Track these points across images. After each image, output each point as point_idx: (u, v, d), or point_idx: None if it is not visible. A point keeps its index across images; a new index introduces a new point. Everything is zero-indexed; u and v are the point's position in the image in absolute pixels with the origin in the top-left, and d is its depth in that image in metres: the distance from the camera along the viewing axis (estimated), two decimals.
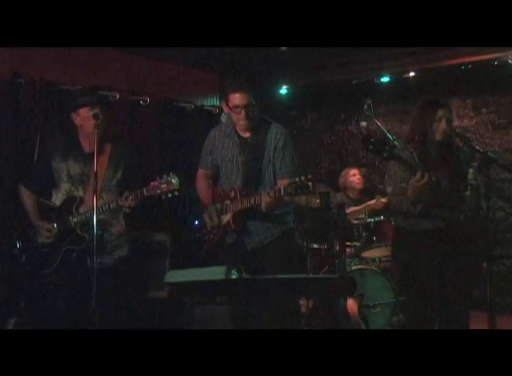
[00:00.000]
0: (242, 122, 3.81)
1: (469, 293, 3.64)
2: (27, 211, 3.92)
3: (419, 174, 3.42)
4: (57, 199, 3.91)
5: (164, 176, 3.68)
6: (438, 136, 3.64)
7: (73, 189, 3.86)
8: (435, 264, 3.62)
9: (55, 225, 3.83)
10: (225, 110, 3.91)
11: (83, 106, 3.79)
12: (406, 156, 3.62)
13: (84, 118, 3.79)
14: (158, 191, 3.67)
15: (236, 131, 3.91)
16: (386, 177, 3.83)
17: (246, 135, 3.89)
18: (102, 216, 3.70)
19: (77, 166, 3.87)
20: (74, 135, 3.92)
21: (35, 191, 3.94)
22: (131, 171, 3.98)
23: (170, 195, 3.67)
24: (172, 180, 3.66)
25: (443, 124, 3.62)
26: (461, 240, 3.61)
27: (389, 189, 3.78)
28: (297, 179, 3.43)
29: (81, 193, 3.85)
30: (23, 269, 3.89)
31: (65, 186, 3.88)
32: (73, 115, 3.86)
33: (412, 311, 3.82)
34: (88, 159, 3.82)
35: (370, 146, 3.37)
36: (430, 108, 3.66)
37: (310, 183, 3.39)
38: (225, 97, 3.83)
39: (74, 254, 3.79)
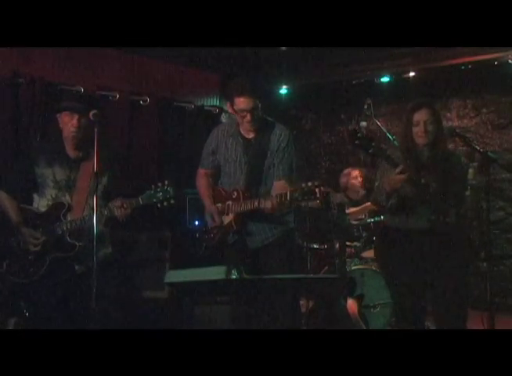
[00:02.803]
0: (247, 125, 3.81)
1: (458, 293, 3.63)
2: (9, 217, 3.76)
3: (400, 167, 3.44)
4: (40, 205, 3.80)
5: (160, 185, 3.67)
6: (419, 140, 3.64)
7: (60, 195, 3.78)
8: (418, 264, 3.62)
9: (41, 232, 3.71)
10: (230, 111, 3.93)
11: (65, 109, 3.75)
12: (398, 157, 3.63)
13: (64, 123, 3.75)
14: (154, 200, 3.67)
15: (239, 131, 3.91)
16: (376, 174, 3.85)
17: (250, 135, 3.89)
18: (89, 223, 3.58)
19: (63, 171, 3.79)
20: (59, 140, 3.84)
21: (16, 196, 3.80)
22: (119, 175, 3.94)
23: (165, 204, 3.67)
24: (168, 189, 3.66)
25: (421, 128, 3.61)
26: (445, 242, 3.60)
27: (375, 185, 3.82)
28: (303, 185, 3.44)
29: (68, 200, 3.77)
30: (5, 277, 3.72)
31: (50, 192, 3.78)
32: (58, 116, 3.80)
33: (399, 311, 3.83)
34: (73, 165, 3.81)
35: (356, 141, 3.38)
36: (409, 113, 3.67)
37: (317, 190, 3.40)
38: (230, 99, 3.82)
39: (60, 262, 3.70)
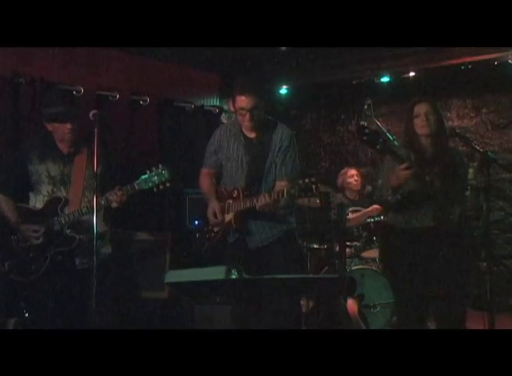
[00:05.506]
0: (247, 124, 3.83)
1: (458, 292, 3.64)
2: (7, 218, 3.77)
3: (405, 164, 3.45)
4: (37, 202, 3.81)
5: (154, 169, 3.69)
6: (421, 131, 3.66)
7: (55, 190, 3.79)
8: (422, 263, 3.62)
9: (39, 227, 3.73)
10: (232, 109, 3.94)
11: (54, 120, 3.73)
12: (404, 154, 3.64)
13: (55, 128, 3.76)
14: (150, 184, 3.68)
15: (241, 131, 3.92)
16: (380, 172, 3.85)
17: (252, 135, 3.90)
18: (87, 216, 3.65)
19: (57, 167, 3.81)
20: (50, 137, 3.84)
21: (12, 196, 3.81)
22: (115, 168, 3.95)
23: (162, 187, 3.68)
24: (163, 172, 3.67)
25: (422, 118, 3.65)
26: (450, 240, 3.60)
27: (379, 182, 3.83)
28: (300, 181, 3.45)
29: (64, 194, 3.79)
30: (8, 277, 3.74)
31: (46, 188, 3.80)
32: (46, 122, 3.80)
33: (402, 311, 3.83)
34: (66, 160, 3.82)
35: (364, 137, 3.39)
36: (410, 107, 3.72)
37: (314, 186, 3.41)
38: (232, 98, 3.85)
39: (61, 257, 3.72)
